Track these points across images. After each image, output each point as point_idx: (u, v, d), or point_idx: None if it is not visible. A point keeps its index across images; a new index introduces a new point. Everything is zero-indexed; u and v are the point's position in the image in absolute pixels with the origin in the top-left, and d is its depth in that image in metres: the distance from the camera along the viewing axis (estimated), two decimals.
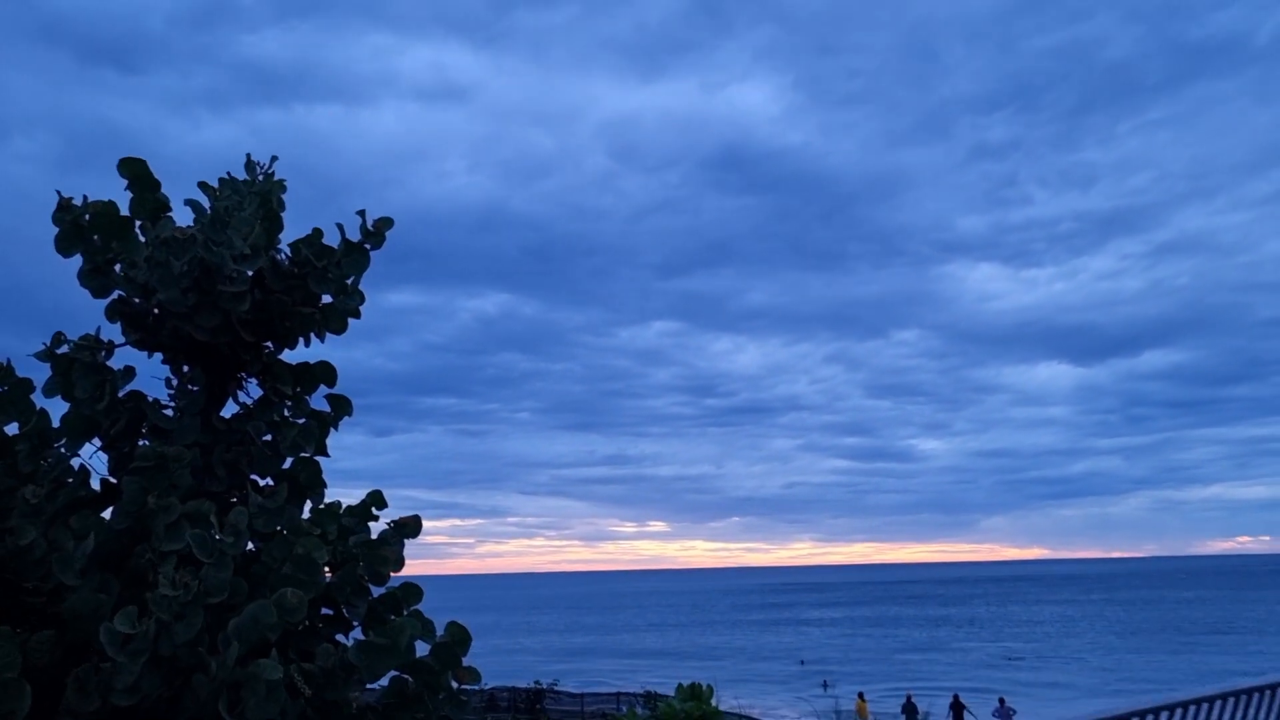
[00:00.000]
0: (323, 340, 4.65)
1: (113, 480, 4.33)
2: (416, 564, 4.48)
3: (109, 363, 4.34)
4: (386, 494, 4.61)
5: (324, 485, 4.61)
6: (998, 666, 68.28)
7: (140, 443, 4.36)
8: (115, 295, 4.40)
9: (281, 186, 4.55)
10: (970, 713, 36.90)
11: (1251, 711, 5.66)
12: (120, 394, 4.32)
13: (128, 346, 4.45)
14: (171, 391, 4.49)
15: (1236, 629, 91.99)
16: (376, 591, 4.39)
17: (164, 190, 4.48)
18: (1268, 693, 5.75)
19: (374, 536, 4.43)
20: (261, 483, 4.55)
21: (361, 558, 4.31)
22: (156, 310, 4.38)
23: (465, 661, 4.30)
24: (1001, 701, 35.31)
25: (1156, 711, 4.85)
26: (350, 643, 4.17)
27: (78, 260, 4.36)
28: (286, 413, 4.61)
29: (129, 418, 4.35)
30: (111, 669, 3.55)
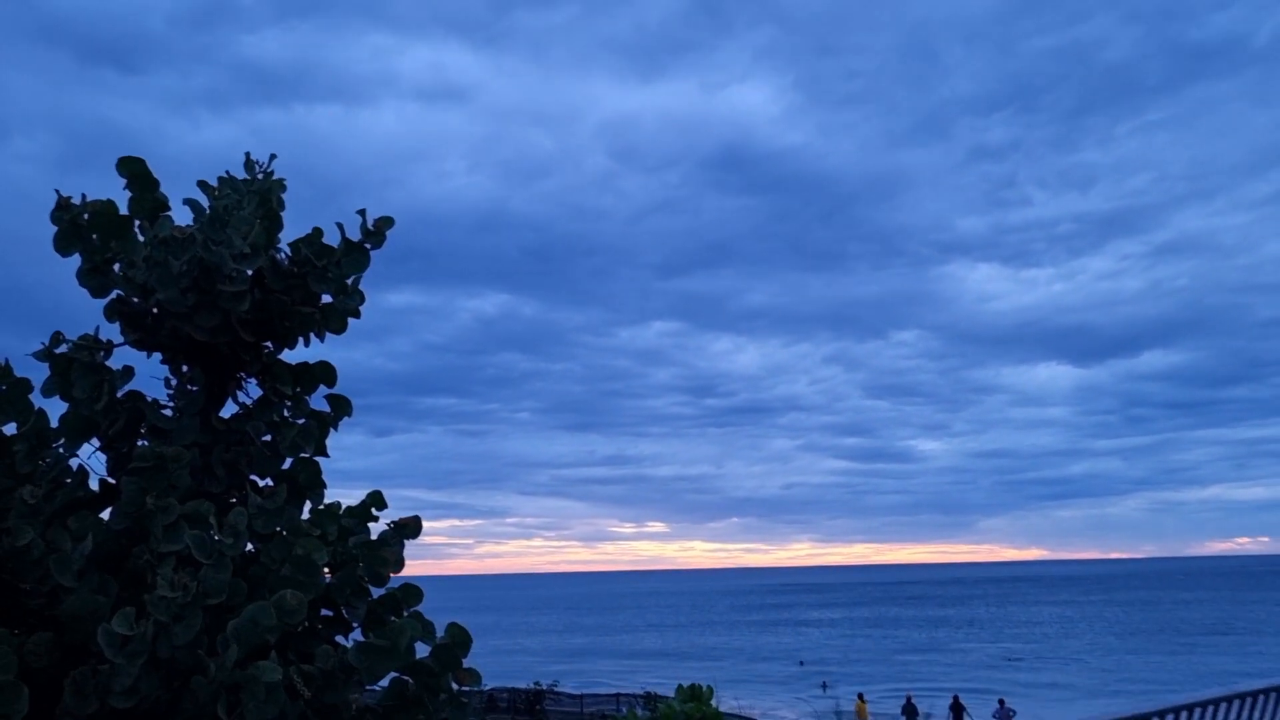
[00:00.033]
0: (322, 340, 4.62)
1: (111, 481, 4.31)
2: (415, 564, 4.46)
3: (108, 362, 4.31)
4: (386, 494, 4.58)
5: (324, 486, 4.59)
6: (997, 667, 68.28)
7: (139, 443, 4.33)
8: (114, 295, 4.37)
9: (281, 185, 4.52)
10: (969, 714, 36.88)
11: (1257, 714, 5.64)
12: (119, 394, 4.30)
13: (126, 346, 4.43)
14: (170, 391, 4.47)
15: (1235, 630, 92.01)
16: (376, 593, 4.36)
17: (165, 191, 4.46)
18: (1273, 695, 5.73)
19: (374, 537, 4.41)
20: (261, 483, 4.53)
21: (361, 559, 4.29)
22: (155, 310, 4.35)
23: (466, 663, 4.28)
24: (1001, 703, 35.30)
25: (1163, 714, 4.83)
26: (350, 644, 4.14)
27: (77, 260, 4.34)
28: (286, 413, 4.59)
29: (128, 418, 4.32)
30: (109, 671, 3.53)
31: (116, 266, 4.33)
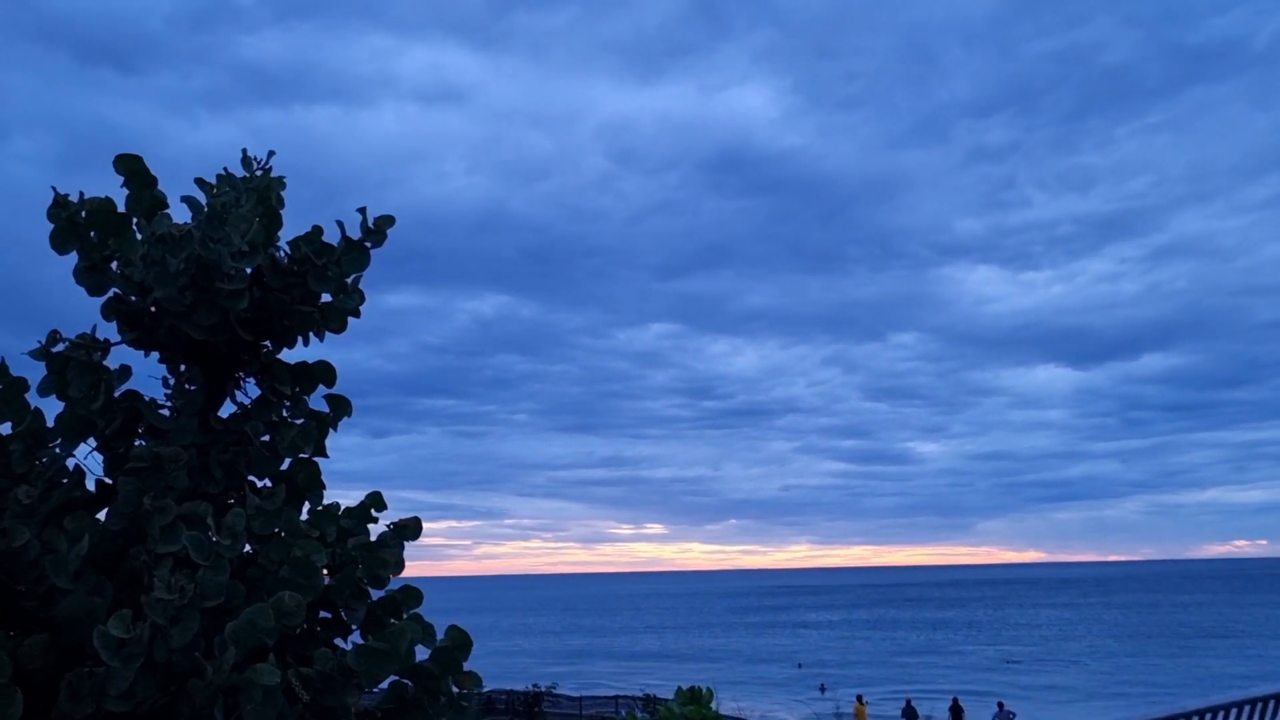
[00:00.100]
0: (321, 339, 4.58)
1: (108, 481, 4.26)
2: (413, 565, 4.43)
3: (105, 362, 4.27)
4: (384, 495, 4.54)
5: (323, 487, 4.54)
6: (996, 670, 68.29)
7: (136, 443, 4.29)
8: (111, 293, 4.33)
9: (280, 183, 4.48)
10: (968, 717, 36.84)
11: None
12: (116, 393, 4.25)
13: (124, 345, 4.39)
14: (168, 391, 4.42)
15: (1234, 633, 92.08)
16: (376, 595, 4.32)
17: (164, 191, 4.42)
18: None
19: (373, 539, 4.37)
20: (259, 484, 4.48)
21: (360, 560, 4.25)
22: (153, 308, 4.30)
23: (466, 666, 4.24)
24: (1000, 705, 35.30)
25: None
26: (349, 647, 4.10)
27: (74, 259, 4.30)
28: (285, 413, 4.54)
29: (125, 417, 4.28)
30: (105, 674, 3.48)
31: (114, 264, 4.28)
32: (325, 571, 4.17)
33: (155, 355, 4.48)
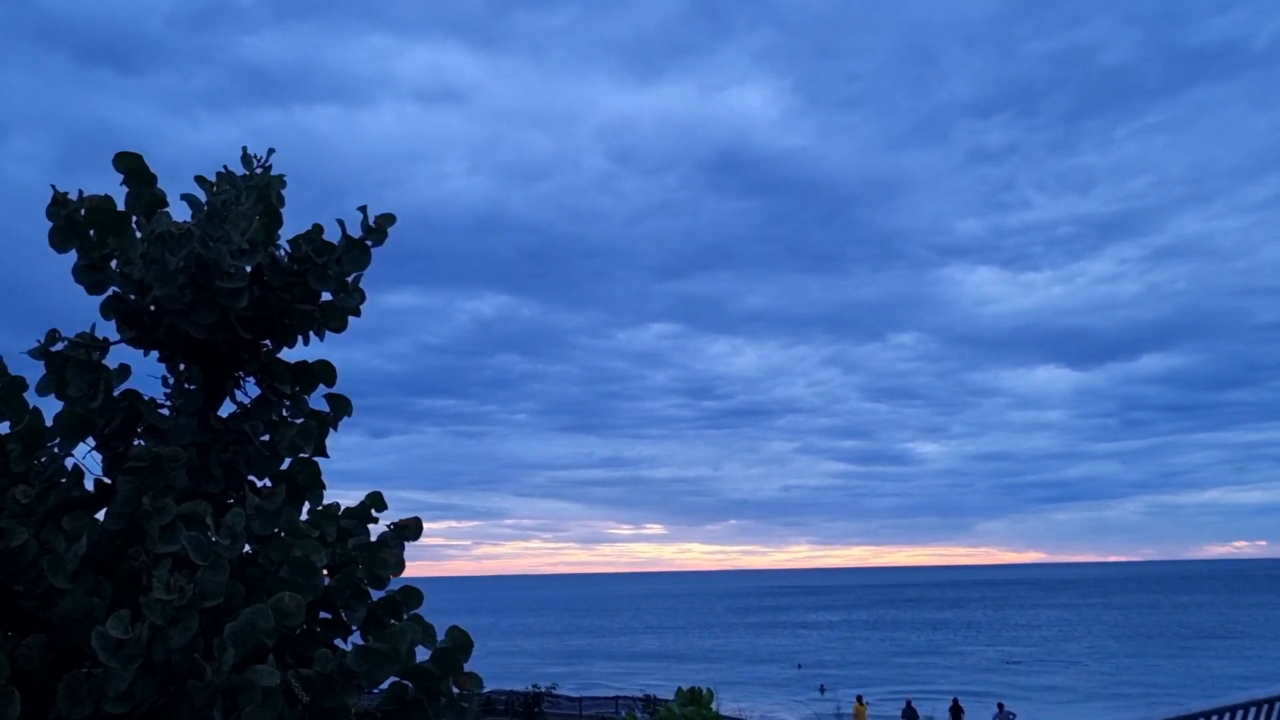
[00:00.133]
0: (322, 338, 4.55)
1: (107, 481, 4.24)
2: (412, 565, 4.41)
3: (104, 361, 4.24)
4: (384, 496, 4.52)
5: (323, 486, 4.52)
6: (996, 670, 68.29)
7: (135, 442, 4.26)
8: (110, 291, 4.31)
9: (281, 181, 4.45)
10: (968, 718, 36.82)
11: None
12: (115, 392, 4.23)
13: (123, 344, 4.36)
14: (168, 390, 4.40)
15: (1233, 634, 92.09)
16: (376, 595, 4.30)
17: (163, 190, 4.39)
18: None
19: (373, 539, 4.34)
20: (259, 484, 4.45)
21: (361, 561, 4.22)
22: (153, 307, 4.28)
23: (467, 667, 4.22)
24: (1000, 706, 35.29)
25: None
26: (349, 648, 4.08)
27: (74, 258, 4.27)
28: (285, 412, 4.52)
29: (124, 417, 4.25)
30: (104, 675, 3.45)
31: (113, 263, 4.26)
32: (325, 572, 4.15)
33: (155, 354, 4.46)
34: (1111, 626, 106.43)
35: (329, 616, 4.30)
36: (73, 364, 4.14)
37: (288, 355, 4.62)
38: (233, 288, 4.06)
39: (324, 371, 4.61)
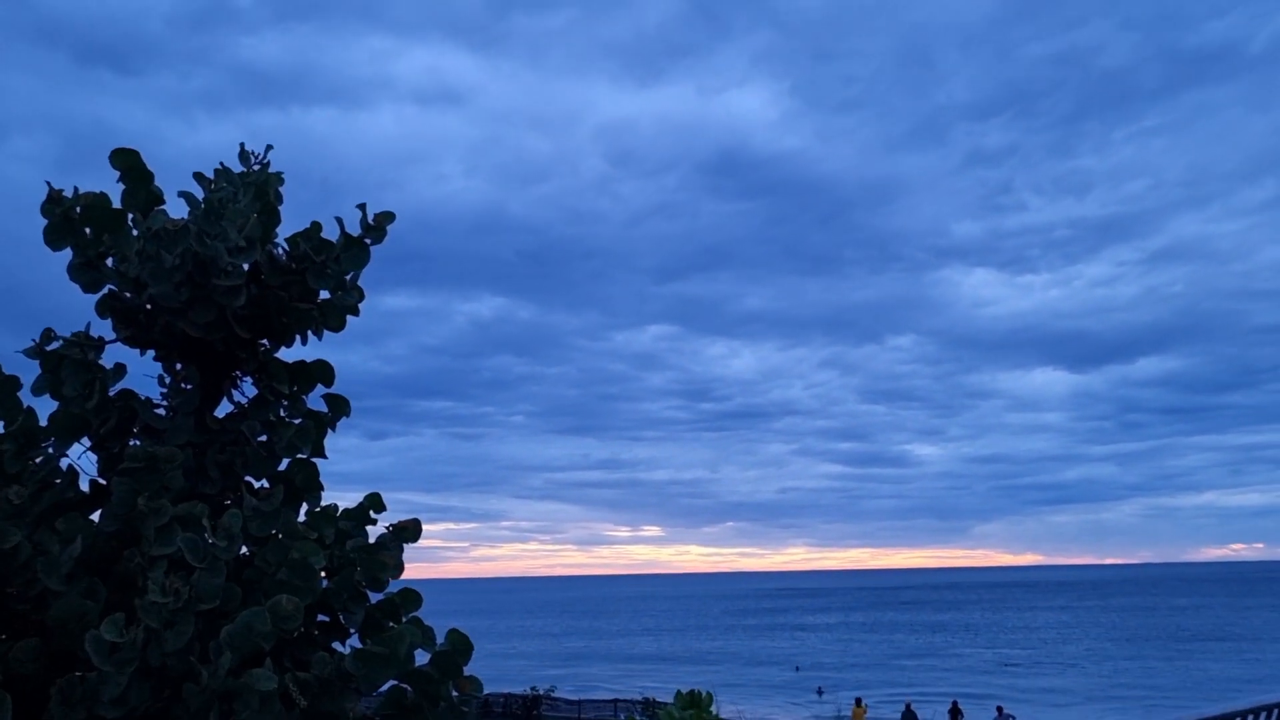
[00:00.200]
0: (320, 338, 4.50)
1: (102, 481, 4.18)
2: (410, 567, 4.36)
3: (99, 360, 4.19)
4: (382, 497, 4.47)
5: (321, 488, 4.47)
6: (994, 673, 68.29)
7: (131, 443, 4.21)
8: (106, 290, 4.26)
9: (279, 179, 4.40)
10: None
11: None
12: (111, 392, 4.18)
13: (119, 343, 4.31)
14: (164, 390, 4.35)
15: (1231, 636, 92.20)
16: (375, 598, 4.25)
17: (160, 188, 4.34)
18: None
19: (372, 541, 4.30)
20: (256, 485, 4.40)
21: (359, 563, 4.17)
22: (149, 305, 4.23)
23: (466, 670, 4.17)
24: (999, 710, 35.27)
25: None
26: (347, 651, 4.03)
27: (70, 257, 4.23)
28: (283, 413, 4.46)
29: (120, 417, 4.20)
30: (98, 679, 3.40)
31: (109, 261, 4.21)
32: (323, 574, 4.10)
33: (151, 353, 4.41)
34: (1109, 629, 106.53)
35: (327, 619, 4.25)
36: (68, 363, 4.09)
37: (285, 355, 4.57)
38: (230, 286, 4.01)
39: (322, 371, 4.56)
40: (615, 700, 43.87)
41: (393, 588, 4.28)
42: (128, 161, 4.27)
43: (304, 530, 4.11)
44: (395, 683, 4.07)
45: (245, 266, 4.13)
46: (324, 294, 4.45)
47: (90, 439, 4.18)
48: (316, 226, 4.37)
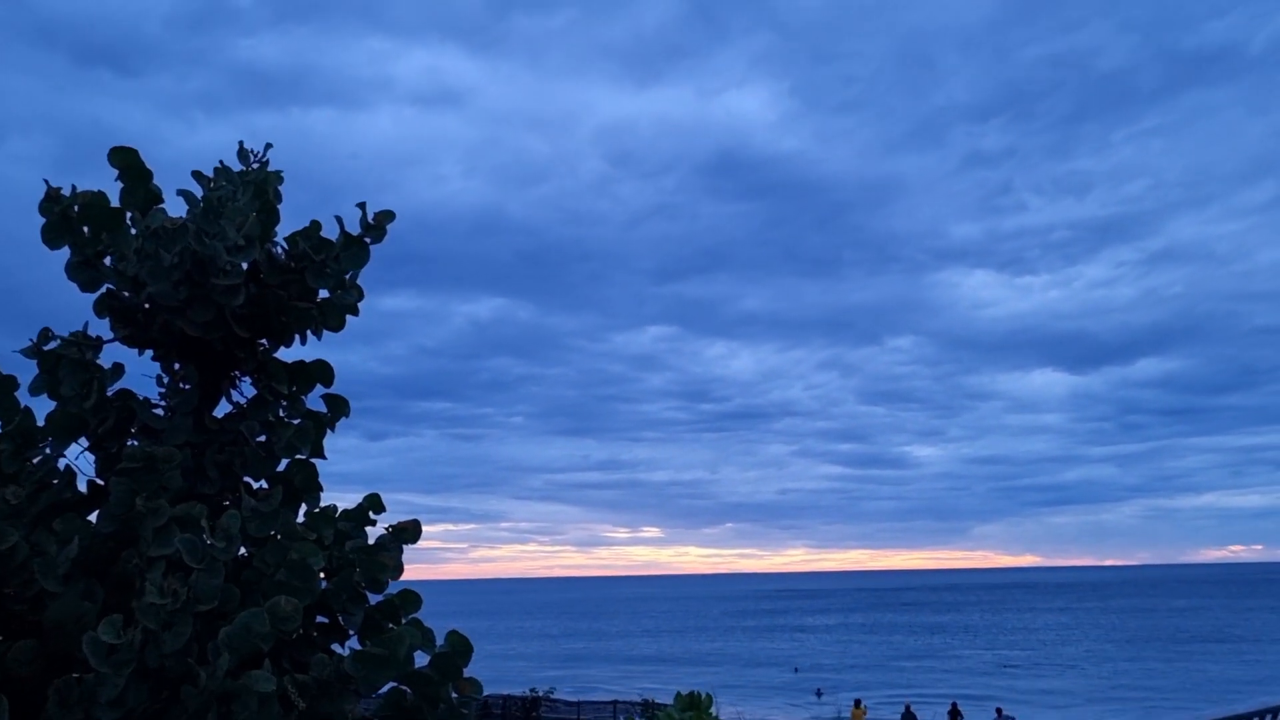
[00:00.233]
0: (319, 337, 4.48)
1: (100, 482, 4.16)
2: (409, 569, 4.34)
3: (97, 360, 4.17)
4: (381, 498, 4.44)
5: (320, 488, 4.44)
6: (993, 674, 68.25)
7: (129, 443, 4.19)
8: (104, 289, 4.23)
9: (278, 177, 4.37)
10: None
11: None
12: (109, 392, 4.15)
13: (117, 342, 4.29)
14: (162, 390, 4.32)
15: (1230, 638, 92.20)
16: (374, 599, 4.22)
17: (159, 186, 4.32)
18: None
19: (371, 542, 4.27)
20: (255, 485, 4.38)
21: (358, 564, 4.15)
22: (147, 304, 4.20)
23: (466, 672, 4.14)
24: (999, 711, 35.25)
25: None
26: (346, 653, 4.01)
27: (68, 256, 4.20)
28: (282, 413, 4.44)
29: (118, 417, 4.18)
30: (95, 681, 3.38)
31: (107, 260, 4.18)
32: (322, 575, 4.07)
33: (149, 353, 4.38)
34: (1108, 630, 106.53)
35: (326, 621, 4.22)
36: (65, 363, 4.07)
37: (284, 355, 4.55)
38: (228, 285, 3.99)
39: (321, 371, 4.53)
40: (615, 702, 43.78)
41: (392, 589, 4.25)
42: (126, 160, 4.25)
43: (303, 531, 4.08)
44: (395, 684, 4.05)
45: (244, 265, 4.11)
46: (323, 293, 4.43)
47: (88, 439, 4.16)
48: (316, 225, 4.34)
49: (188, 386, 4.28)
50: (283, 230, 4.41)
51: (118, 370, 4.19)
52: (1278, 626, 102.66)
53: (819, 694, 58.48)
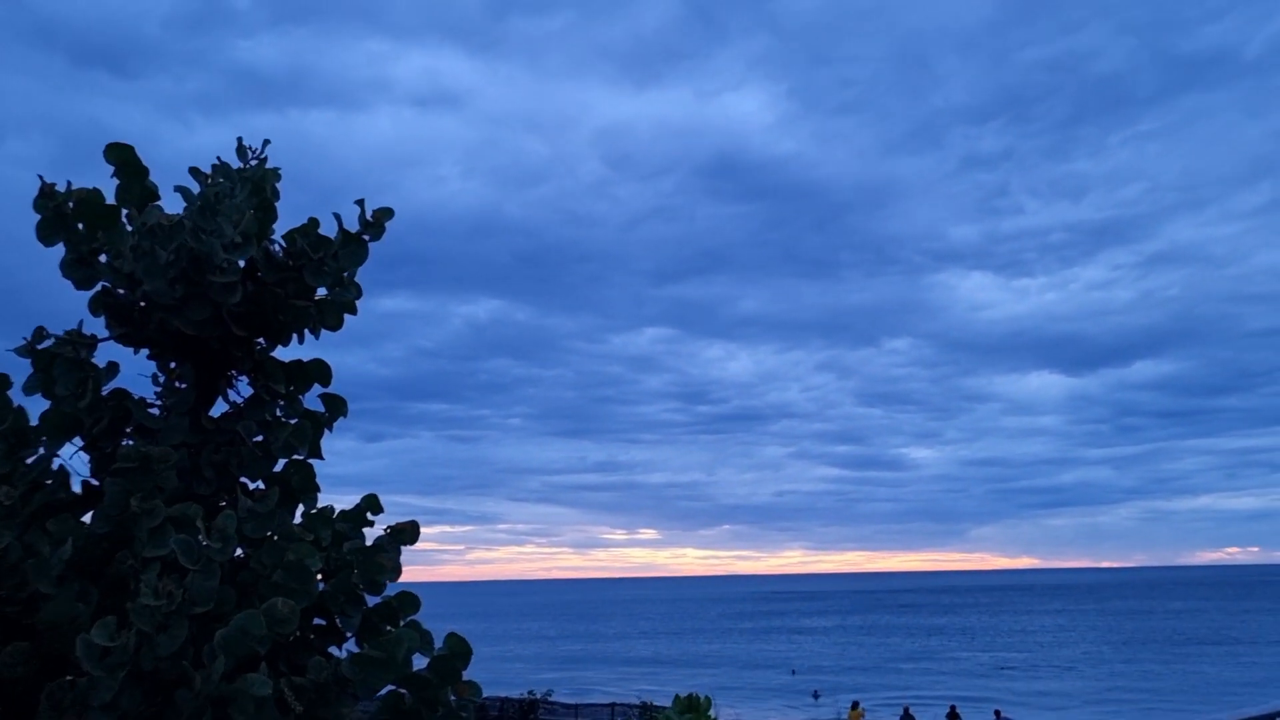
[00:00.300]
0: (317, 336, 4.44)
1: (94, 482, 4.12)
2: (406, 570, 4.30)
3: (92, 358, 4.13)
4: (379, 499, 4.40)
5: (317, 489, 4.40)
6: (991, 676, 68.27)
7: (124, 442, 4.14)
8: (100, 286, 4.19)
9: (276, 174, 4.33)
10: None
11: None
12: (104, 391, 4.12)
13: (112, 341, 4.25)
14: (158, 389, 4.28)
15: (1227, 640, 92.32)
16: (372, 601, 4.18)
17: (155, 183, 4.28)
18: None
19: (369, 543, 4.23)
20: (251, 486, 4.34)
21: (356, 565, 4.11)
22: (143, 302, 4.16)
23: (465, 675, 4.11)
24: (997, 713, 35.25)
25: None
26: (344, 655, 3.97)
27: (63, 254, 4.16)
28: (279, 413, 4.40)
29: (112, 416, 4.14)
30: (88, 684, 3.34)
31: (102, 257, 4.14)
32: (320, 577, 4.03)
33: (145, 352, 4.34)
34: (1105, 632, 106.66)
35: (323, 623, 4.19)
36: (60, 362, 4.03)
37: (281, 354, 4.51)
38: (225, 282, 3.94)
39: (319, 371, 4.49)
40: (613, 704, 43.71)
41: (390, 591, 4.22)
42: (122, 156, 4.21)
43: (300, 532, 4.04)
44: (393, 687, 4.01)
45: (241, 263, 4.07)
46: (321, 291, 4.39)
47: (82, 439, 4.12)
48: (314, 223, 4.30)
49: (184, 386, 4.24)
50: (280, 228, 4.37)
51: (113, 369, 4.15)
52: (1274, 628, 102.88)
53: (816, 696, 58.44)
